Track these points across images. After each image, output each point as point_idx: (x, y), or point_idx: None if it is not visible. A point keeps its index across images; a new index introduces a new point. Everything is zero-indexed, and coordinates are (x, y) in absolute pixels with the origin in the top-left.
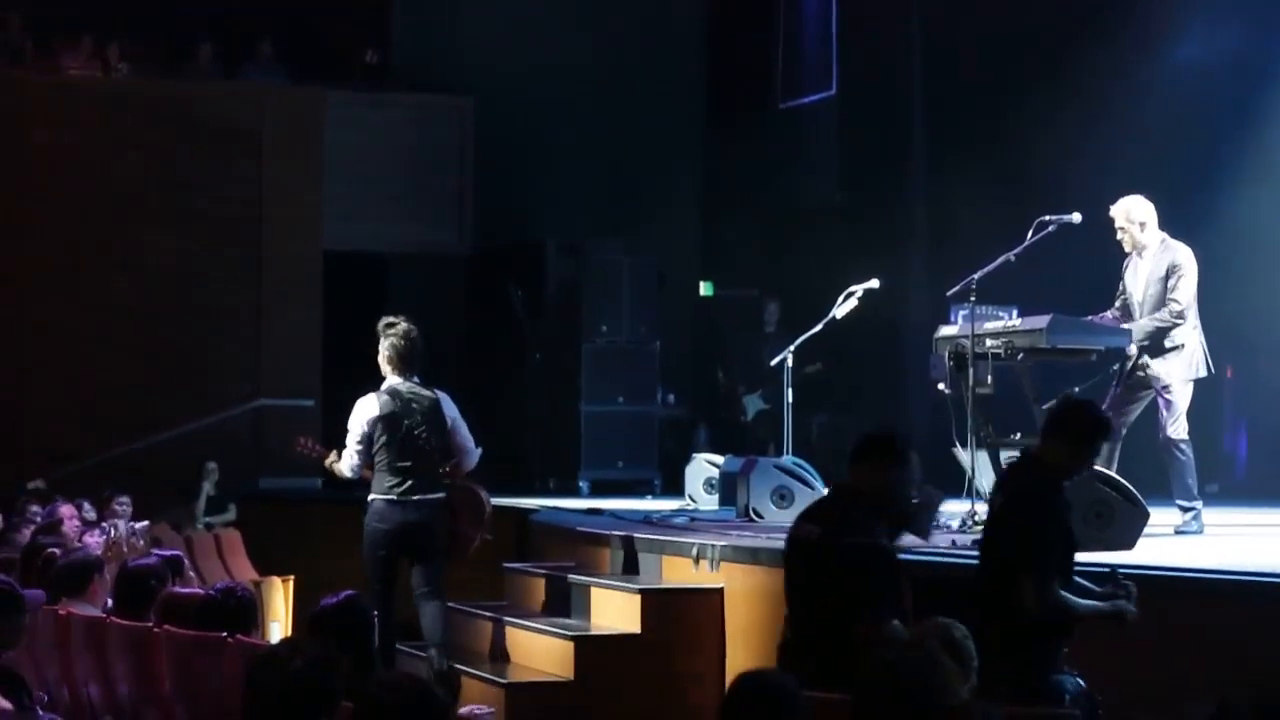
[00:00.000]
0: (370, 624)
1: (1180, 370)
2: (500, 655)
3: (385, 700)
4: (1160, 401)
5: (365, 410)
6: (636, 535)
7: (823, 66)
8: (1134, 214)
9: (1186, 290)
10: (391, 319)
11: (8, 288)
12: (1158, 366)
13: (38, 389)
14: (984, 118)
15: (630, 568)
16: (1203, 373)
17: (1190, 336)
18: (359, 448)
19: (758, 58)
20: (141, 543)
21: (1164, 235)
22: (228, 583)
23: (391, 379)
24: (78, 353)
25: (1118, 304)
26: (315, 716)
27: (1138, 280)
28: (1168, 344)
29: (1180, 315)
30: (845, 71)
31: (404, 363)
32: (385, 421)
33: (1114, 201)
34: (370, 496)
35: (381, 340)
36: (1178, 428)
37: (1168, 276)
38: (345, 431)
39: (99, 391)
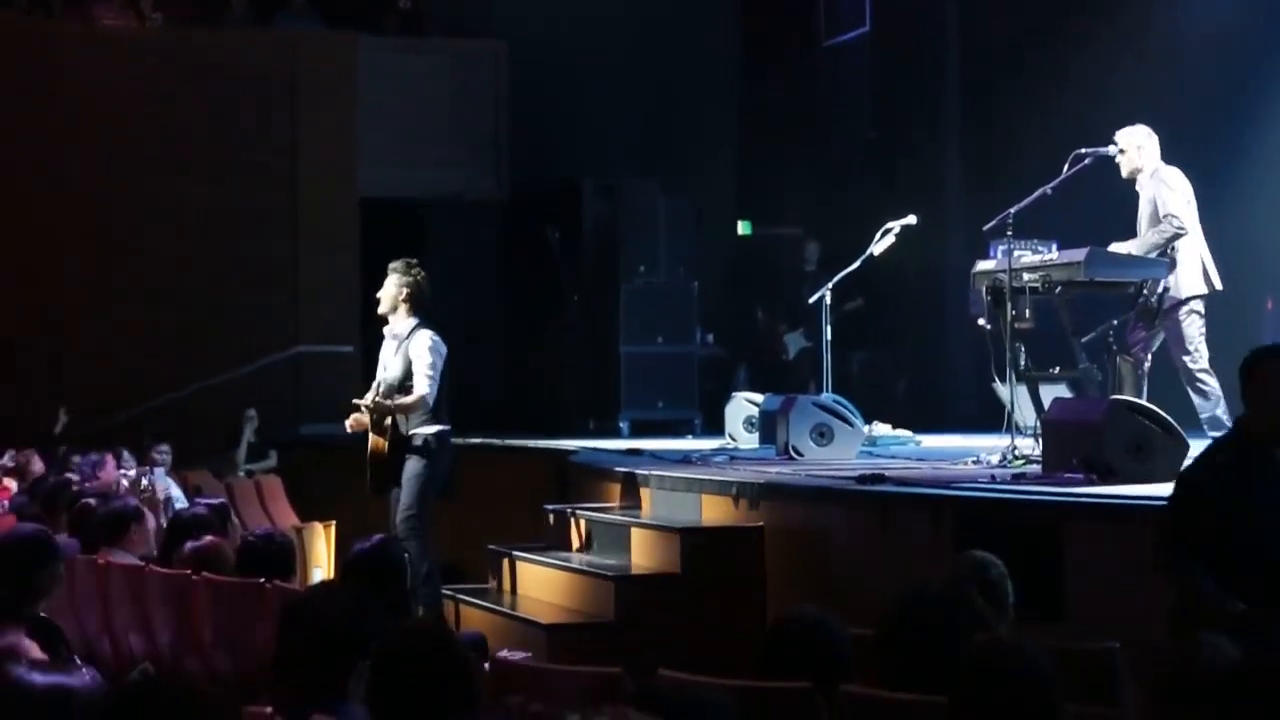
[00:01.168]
0: (404, 567)
1: (1185, 283)
2: (540, 596)
3: (403, 649)
4: (1169, 330)
5: (438, 346)
6: (676, 475)
7: (857, 3)
8: (1134, 138)
9: (1174, 203)
10: (410, 260)
11: (44, 240)
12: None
13: (76, 340)
14: (1019, 50)
15: (670, 507)
16: (1203, 289)
17: (1189, 250)
18: (437, 381)
19: None
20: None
21: (1158, 164)
22: (266, 529)
23: (413, 317)
24: (115, 304)
25: None
26: (349, 661)
27: (1140, 207)
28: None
29: (1181, 227)
30: (879, 7)
31: (425, 304)
32: (446, 356)
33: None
34: (433, 431)
35: (402, 277)
36: (1194, 357)
37: (1156, 197)
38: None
39: (137, 342)
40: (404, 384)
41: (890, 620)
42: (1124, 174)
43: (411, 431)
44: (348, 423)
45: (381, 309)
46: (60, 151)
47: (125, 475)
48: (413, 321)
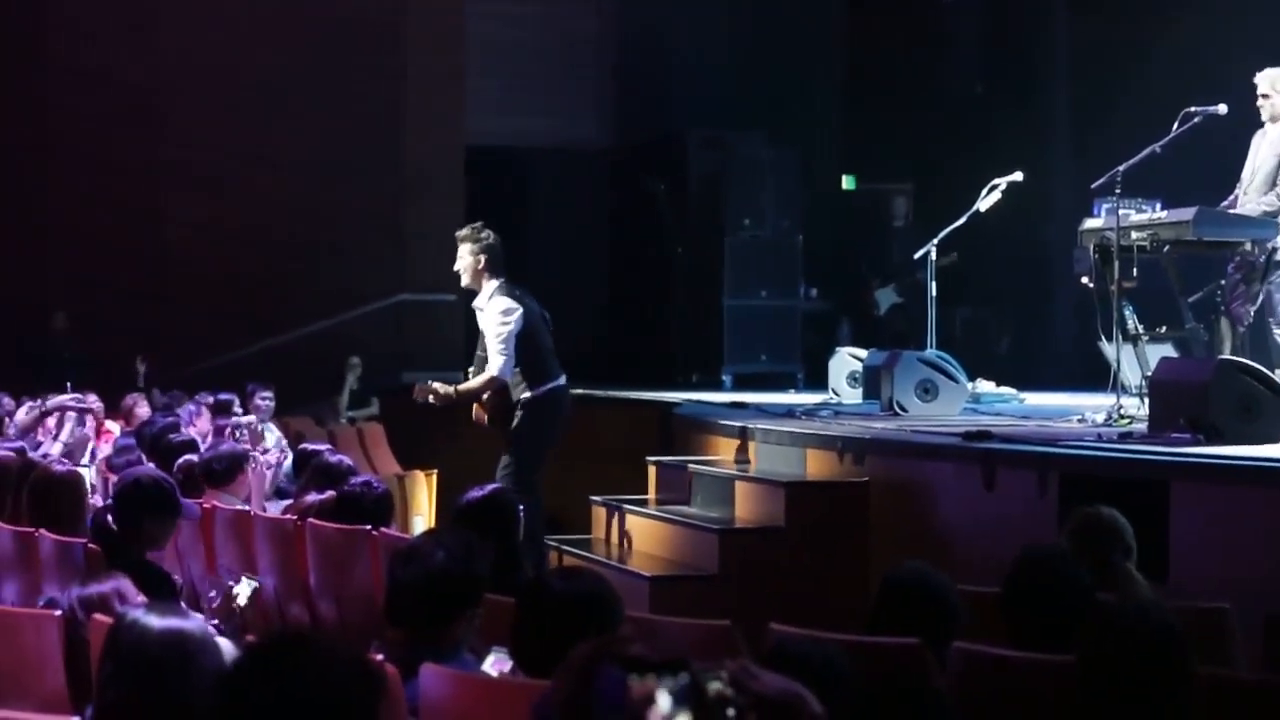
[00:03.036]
0: (516, 517)
1: None
2: (643, 548)
3: (560, 592)
4: (1274, 291)
5: (510, 311)
6: (780, 429)
7: None
8: (1279, 82)
9: None
10: (475, 224)
11: (147, 186)
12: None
13: (179, 286)
14: (1129, 7)
15: (774, 461)
16: None
17: None
18: (511, 352)
19: None
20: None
21: None
22: (365, 477)
23: (495, 280)
24: (218, 249)
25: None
26: (458, 609)
27: (1260, 150)
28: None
29: None
30: None
31: (502, 262)
32: (533, 317)
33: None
34: (550, 385)
35: (473, 244)
36: None
37: None
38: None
39: (240, 287)
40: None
41: (1014, 577)
42: (1264, 118)
43: (525, 395)
44: (415, 391)
45: (464, 283)
46: (161, 97)
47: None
48: (493, 285)
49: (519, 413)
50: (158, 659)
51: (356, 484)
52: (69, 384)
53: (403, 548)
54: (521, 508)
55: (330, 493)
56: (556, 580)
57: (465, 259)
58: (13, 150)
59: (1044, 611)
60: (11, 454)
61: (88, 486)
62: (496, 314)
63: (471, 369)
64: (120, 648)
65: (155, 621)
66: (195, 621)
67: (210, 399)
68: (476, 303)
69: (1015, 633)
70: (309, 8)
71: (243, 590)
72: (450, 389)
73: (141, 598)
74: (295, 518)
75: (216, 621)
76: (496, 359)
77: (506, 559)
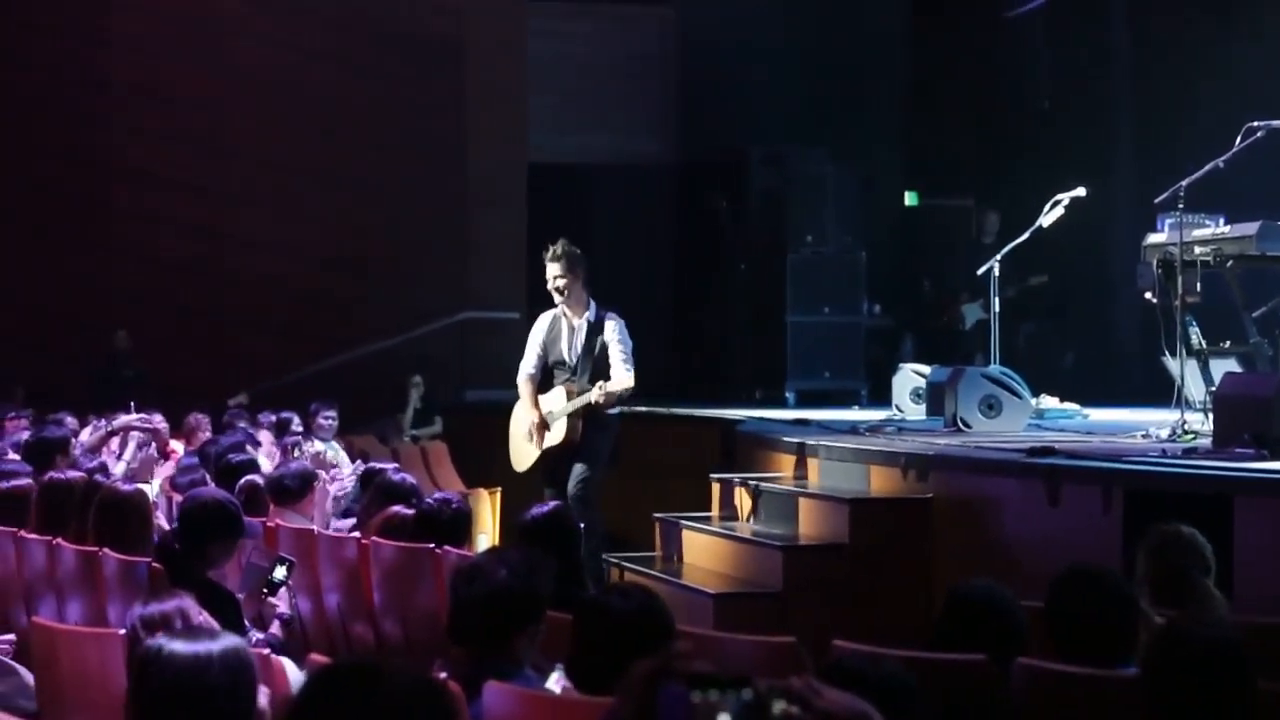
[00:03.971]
0: (579, 534)
1: None
2: (706, 565)
3: (612, 609)
4: None
5: (625, 329)
6: (844, 445)
7: None
8: None
9: None
10: (564, 241)
11: (208, 203)
12: None
13: (241, 304)
14: (1192, 23)
15: (837, 478)
16: None
17: None
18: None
19: None
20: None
21: None
22: (443, 495)
23: (591, 299)
24: (281, 267)
25: None
26: (520, 626)
27: None
28: None
29: None
30: None
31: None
32: None
33: None
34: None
35: (571, 262)
36: None
37: None
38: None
39: (303, 306)
40: (603, 370)
41: (1058, 593)
42: None
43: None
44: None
45: (569, 305)
46: (223, 114)
47: (290, 441)
48: (592, 303)
49: (604, 430)
50: (185, 688)
51: (435, 501)
52: (132, 403)
53: (465, 566)
54: (583, 524)
55: (395, 508)
56: (608, 597)
57: (564, 276)
58: (75, 168)
59: (1089, 626)
60: (77, 474)
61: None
62: (616, 328)
63: (567, 379)
64: (146, 677)
65: (181, 648)
66: (232, 642)
67: (272, 418)
68: (574, 319)
69: (1060, 647)
70: (372, 25)
71: (279, 572)
72: (599, 395)
73: (204, 616)
74: (360, 536)
75: (259, 617)
76: (624, 368)
77: (569, 576)
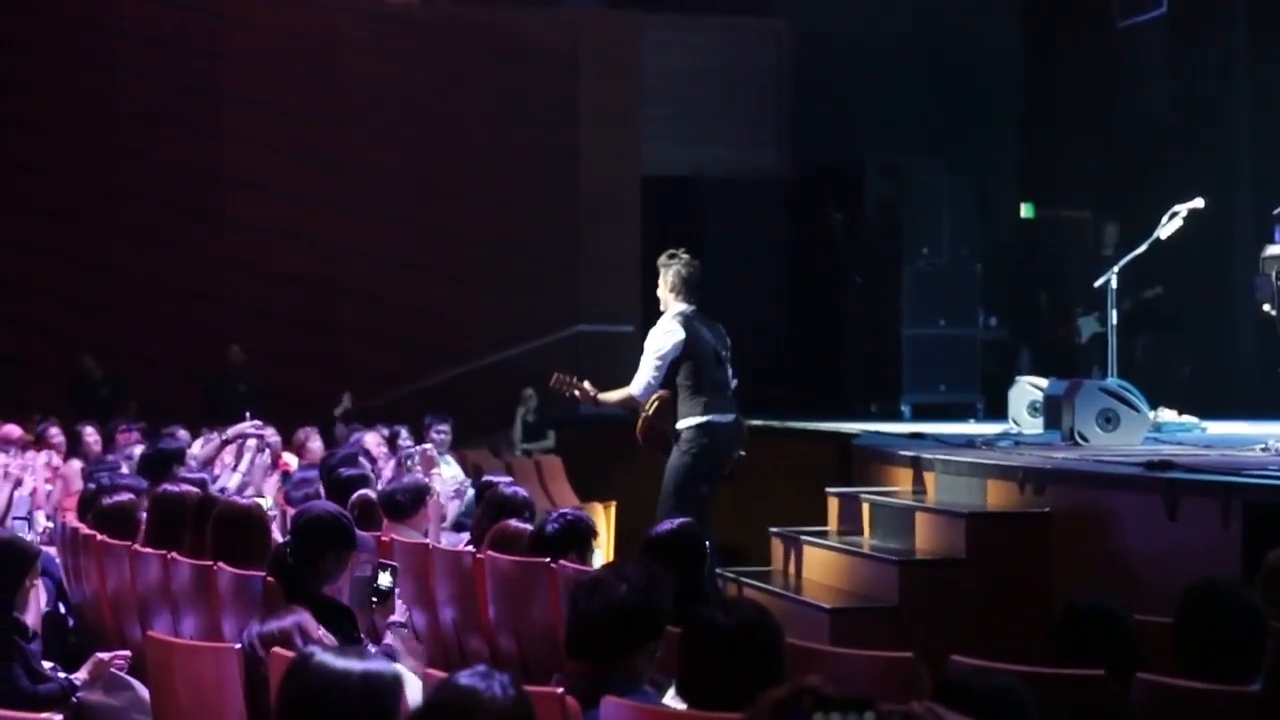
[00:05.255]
0: (704, 552)
1: None
2: (822, 579)
3: (721, 624)
4: None
5: (673, 334)
6: (960, 459)
7: None
8: None
9: None
10: (673, 250)
11: (322, 214)
12: None
13: (354, 316)
14: None
15: (954, 492)
16: None
17: None
18: (656, 373)
19: None
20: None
21: None
22: (568, 510)
23: (680, 305)
24: (394, 281)
25: None
26: (639, 641)
27: None
28: None
29: None
30: None
31: (692, 289)
32: (693, 345)
33: None
34: (704, 419)
35: (666, 272)
36: None
37: None
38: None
39: (416, 318)
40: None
41: (1187, 607)
42: None
43: (678, 426)
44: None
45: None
46: (337, 127)
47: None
48: (676, 308)
49: (676, 444)
50: (339, 701)
51: (561, 516)
52: (247, 413)
53: (586, 580)
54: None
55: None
56: (717, 612)
57: (661, 287)
58: (189, 183)
59: (1217, 641)
60: (191, 488)
61: None
62: (656, 333)
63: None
64: (300, 687)
65: (336, 662)
66: (379, 663)
67: (385, 431)
68: None
69: (1188, 663)
70: (486, 39)
71: (384, 579)
72: (593, 391)
73: (322, 631)
74: (474, 550)
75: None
76: (639, 377)
77: (692, 592)
